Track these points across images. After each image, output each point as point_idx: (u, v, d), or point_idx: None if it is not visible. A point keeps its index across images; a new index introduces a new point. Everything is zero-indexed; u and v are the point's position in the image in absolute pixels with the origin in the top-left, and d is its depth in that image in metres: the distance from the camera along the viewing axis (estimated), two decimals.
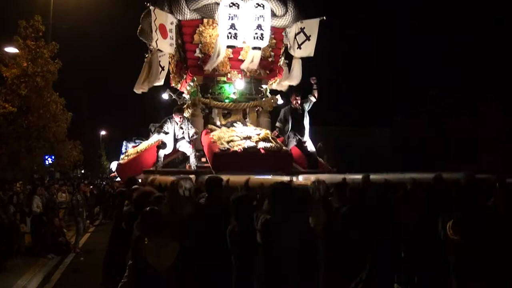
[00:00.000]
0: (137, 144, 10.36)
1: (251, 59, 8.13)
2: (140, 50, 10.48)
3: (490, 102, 22.46)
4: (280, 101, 8.54)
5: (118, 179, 20.10)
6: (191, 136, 8.00)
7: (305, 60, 9.17)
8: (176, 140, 8.03)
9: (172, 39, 8.60)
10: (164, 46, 8.64)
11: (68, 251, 10.80)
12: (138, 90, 9.49)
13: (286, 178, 3.44)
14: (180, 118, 8.07)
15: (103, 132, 43.68)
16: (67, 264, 9.84)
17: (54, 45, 15.17)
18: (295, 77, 8.85)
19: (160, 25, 8.36)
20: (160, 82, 9.84)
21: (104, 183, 26.15)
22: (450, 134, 22.58)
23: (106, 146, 43.17)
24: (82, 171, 37.33)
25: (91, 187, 19.74)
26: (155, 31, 8.24)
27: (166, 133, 7.78)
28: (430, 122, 24.06)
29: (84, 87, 43.56)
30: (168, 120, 8.10)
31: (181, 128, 8.05)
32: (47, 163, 19.21)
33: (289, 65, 9.06)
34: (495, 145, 21.07)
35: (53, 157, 20.05)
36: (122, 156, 9.42)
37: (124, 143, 16.13)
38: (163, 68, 9.58)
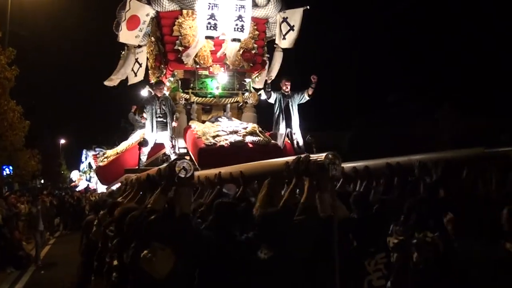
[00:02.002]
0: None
1: (231, 52, 7.79)
2: (102, 55, 9.97)
3: (451, 107, 23.00)
4: (263, 96, 8.13)
5: (78, 188, 19.25)
6: (173, 114, 7.51)
7: None
8: (156, 124, 7.45)
9: (142, 31, 8.16)
10: (129, 38, 8.19)
11: (28, 264, 10.38)
12: (107, 83, 8.92)
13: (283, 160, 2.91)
14: (161, 90, 7.58)
15: (62, 141, 42.23)
16: (27, 279, 9.39)
17: (11, 51, 14.54)
18: (274, 71, 8.55)
19: (132, 16, 7.90)
20: (139, 79, 9.38)
21: (64, 193, 25.13)
22: (410, 138, 22.87)
23: (66, 155, 41.87)
24: (42, 181, 35.69)
25: (51, 197, 18.81)
26: (123, 22, 7.80)
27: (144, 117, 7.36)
28: (390, 126, 24.34)
29: (42, 94, 41.97)
30: (149, 99, 7.61)
31: (163, 105, 7.48)
32: (5, 173, 18.32)
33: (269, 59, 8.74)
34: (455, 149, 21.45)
35: (11, 168, 19.09)
36: (101, 159, 8.84)
37: (84, 151, 15.51)
38: (140, 65, 9.13)
